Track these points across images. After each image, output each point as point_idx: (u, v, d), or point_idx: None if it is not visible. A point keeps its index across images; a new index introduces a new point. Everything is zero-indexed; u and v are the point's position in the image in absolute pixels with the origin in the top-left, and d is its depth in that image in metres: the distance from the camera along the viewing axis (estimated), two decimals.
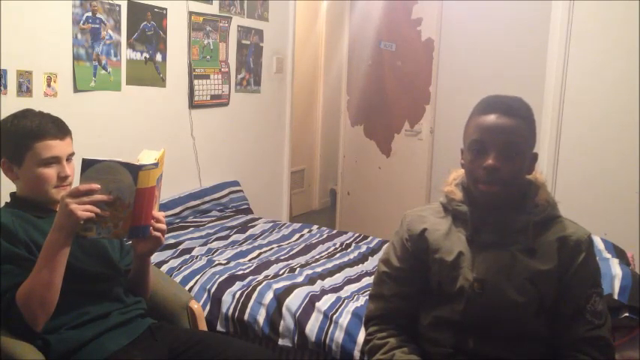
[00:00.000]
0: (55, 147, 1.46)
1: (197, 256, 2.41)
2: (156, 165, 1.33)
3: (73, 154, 1.52)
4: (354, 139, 4.28)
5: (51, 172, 1.46)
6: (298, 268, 2.34)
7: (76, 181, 1.39)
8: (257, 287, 2.10)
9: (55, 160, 1.47)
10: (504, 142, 1.24)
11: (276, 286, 2.10)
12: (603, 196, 3.05)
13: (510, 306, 1.25)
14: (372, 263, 2.52)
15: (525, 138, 1.26)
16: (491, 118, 1.26)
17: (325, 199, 5.63)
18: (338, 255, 2.60)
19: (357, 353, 1.84)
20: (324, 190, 5.59)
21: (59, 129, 1.48)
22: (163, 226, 1.45)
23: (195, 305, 1.76)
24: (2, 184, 1.69)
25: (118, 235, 1.35)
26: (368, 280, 2.27)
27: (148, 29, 2.72)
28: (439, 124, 3.83)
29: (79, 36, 2.37)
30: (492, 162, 1.24)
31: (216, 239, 2.69)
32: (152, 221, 1.40)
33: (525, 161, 1.28)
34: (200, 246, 2.56)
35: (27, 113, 1.49)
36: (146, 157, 1.35)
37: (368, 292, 1.99)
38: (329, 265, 2.43)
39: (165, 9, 2.82)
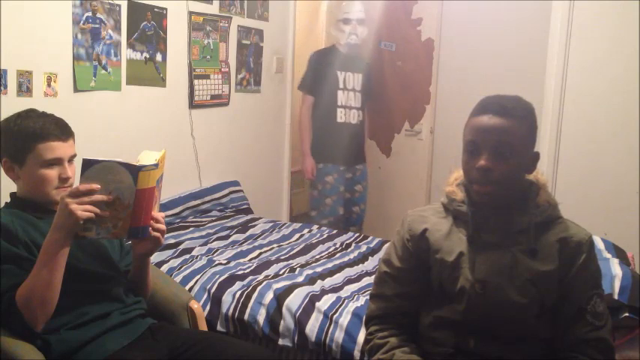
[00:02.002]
0: (58, 149, 1.46)
1: (197, 256, 2.41)
2: (156, 166, 1.33)
3: (74, 155, 1.52)
4: None
5: (52, 173, 1.46)
6: (298, 268, 2.34)
7: (76, 182, 1.39)
8: (257, 287, 2.10)
9: (57, 162, 1.47)
10: (496, 143, 1.24)
11: (276, 286, 2.10)
12: (603, 196, 3.05)
13: (511, 307, 1.25)
14: (372, 263, 2.52)
15: (520, 138, 1.25)
16: (484, 119, 1.26)
17: None
18: (338, 255, 2.60)
19: (357, 353, 1.84)
20: None
21: (62, 130, 1.48)
22: (163, 227, 1.45)
23: (195, 305, 1.76)
24: (2, 184, 1.69)
25: (117, 235, 1.35)
26: (368, 280, 2.27)
27: (148, 29, 2.72)
28: (439, 124, 3.83)
29: (79, 36, 2.37)
30: (484, 163, 1.24)
31: (217, 239, 2.69)
32: (151, 222, 1.40)
33: (522, 161, 1.27)
34: (200, 246, 2.56)
35: (30, 113, 1.49)
36: (146, 158, 1.35)
37: (368, 292, 2.00)
38: (329, 265, 2.43)
39: (166, 9, 2.81)
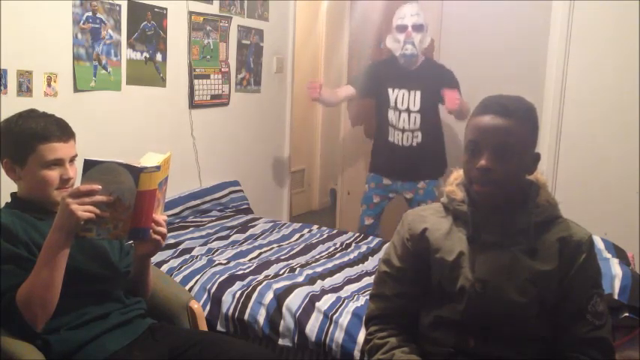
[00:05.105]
0: (59, 149, 1.46)
1: (197, 256, 2.41)
2: (157, 168, 1.33)
3: (75, 156, 1.52)
4: (354, 139, 4.28)
5: (54, 174, 1.46)
6: (298, 268, 2.34)
7: (76, 183, 1.39)
8: (257, 287, 2.10)
9: (59, 163, 1.46)
10: (497, 143, 1.24)
11: (276, 286, 2.10)
12: (603, 196, 3.06)
13: (511, 306, 1.25)
14: (372, 263, 2.52)
15: (521, 138, 1.25)
16: (485, 119, 1.26)
17: (325, 199, 5.62)
18: (338, 255, 2.60)
19: (357, 353, 1.84)
20: (324, 190, 5.58)
21: (63, 131, 1.48)
22: (164, 230, 1.45)
23: (195, 305, 1.76)
24: (2, 184, 1.69)
25: (117, 236, 1.35)
26: (368, 279, 2.27)
27: (148, 29, 2.72)
28: None
29: (79, 36, 2.37)
30: (485, 163, 1.24)
31: (217, 239, 2.69)
32: (152, 224, 1.40)
33: (523, 161, 1.27)
34: (200, 246, 2.56)
35: (32, 114, 1.49)
36: (149, 160, 1.35)
37: (368, 292, 2.00)
38: (329, 265, 2.43)
39: (166, 9, 2.81)
